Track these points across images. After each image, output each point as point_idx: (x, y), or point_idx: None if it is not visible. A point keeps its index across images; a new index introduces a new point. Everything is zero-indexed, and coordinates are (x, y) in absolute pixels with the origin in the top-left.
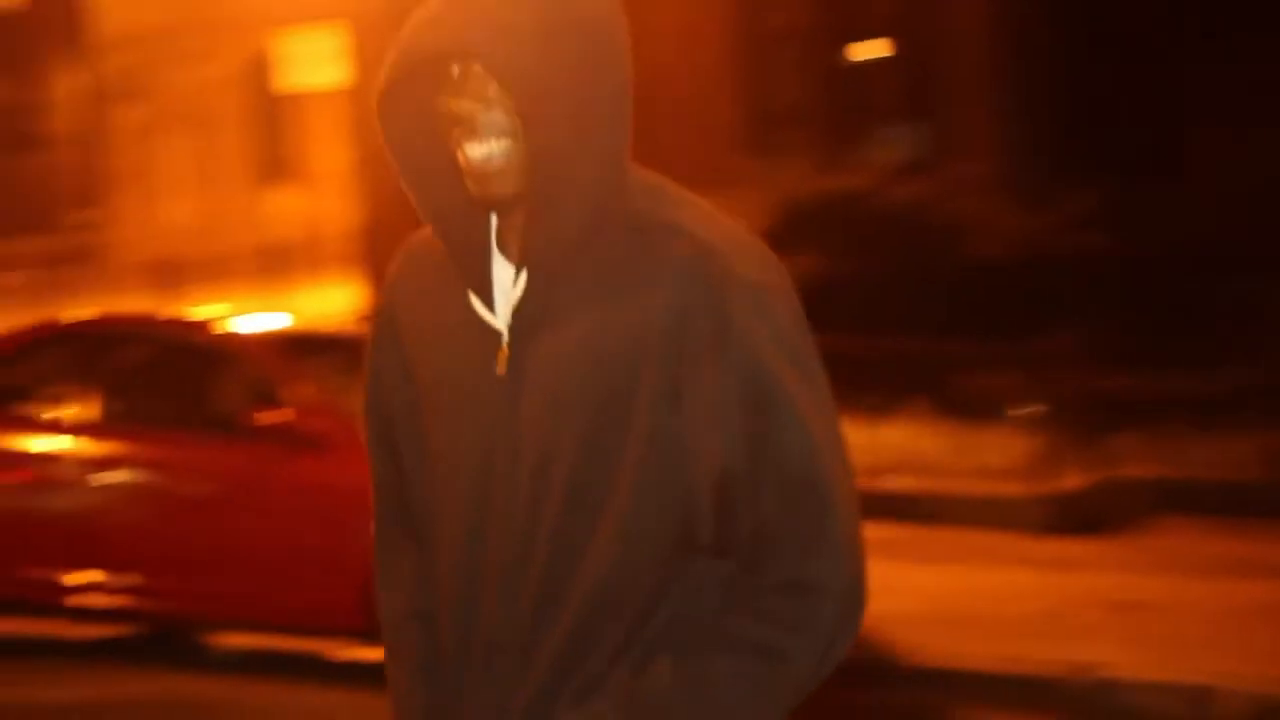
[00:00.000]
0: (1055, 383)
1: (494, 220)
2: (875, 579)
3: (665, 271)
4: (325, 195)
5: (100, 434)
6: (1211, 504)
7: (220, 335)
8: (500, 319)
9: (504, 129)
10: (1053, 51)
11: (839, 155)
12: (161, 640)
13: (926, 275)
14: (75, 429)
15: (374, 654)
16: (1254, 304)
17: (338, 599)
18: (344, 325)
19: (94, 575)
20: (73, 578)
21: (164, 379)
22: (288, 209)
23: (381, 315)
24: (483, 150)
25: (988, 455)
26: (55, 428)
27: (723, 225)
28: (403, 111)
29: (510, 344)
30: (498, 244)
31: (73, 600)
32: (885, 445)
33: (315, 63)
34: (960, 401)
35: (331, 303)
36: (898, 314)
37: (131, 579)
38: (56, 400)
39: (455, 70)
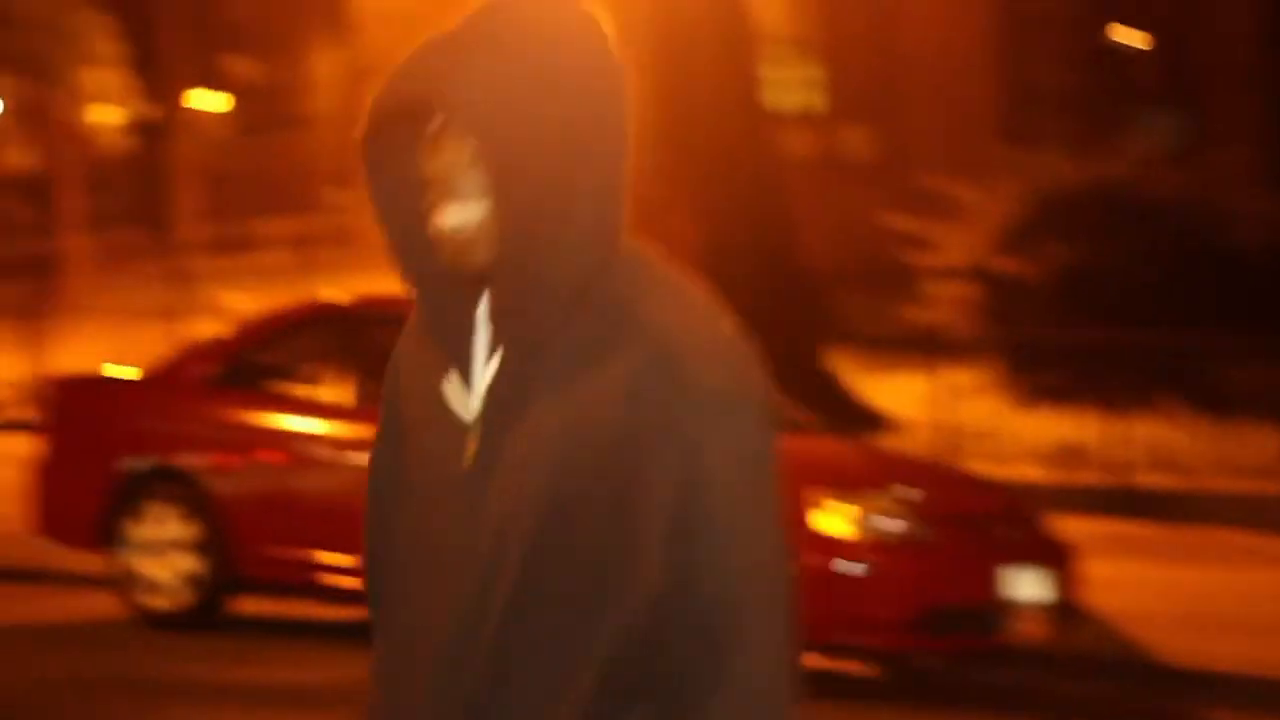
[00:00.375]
0: None
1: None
2: (1124, 576)
3: (619, 382)
4: None
5: (356, 415)
6: None
7: None
8: (475, 402)
9: (479, 194)
10: None
11: (1097, 142)
12: None
13: (1185, 266)
14: (332, 410)
15: None
16: None
17: None
18: None
19: (345, 557)
20: (324, 559)
21: None
22: None
23: (388, 380)
24: (454, 218)
25: (1244, 452)
26: (312, 408)
27: (697, 319)
28: (387, 167)
29: (483, 433)
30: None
31: (325, 581)
32: (1138, 441)
33: None
34: (1217, 396)
35: None
36: (1154, 306)
37: None
38: (313, 380)
39: (433, 125)
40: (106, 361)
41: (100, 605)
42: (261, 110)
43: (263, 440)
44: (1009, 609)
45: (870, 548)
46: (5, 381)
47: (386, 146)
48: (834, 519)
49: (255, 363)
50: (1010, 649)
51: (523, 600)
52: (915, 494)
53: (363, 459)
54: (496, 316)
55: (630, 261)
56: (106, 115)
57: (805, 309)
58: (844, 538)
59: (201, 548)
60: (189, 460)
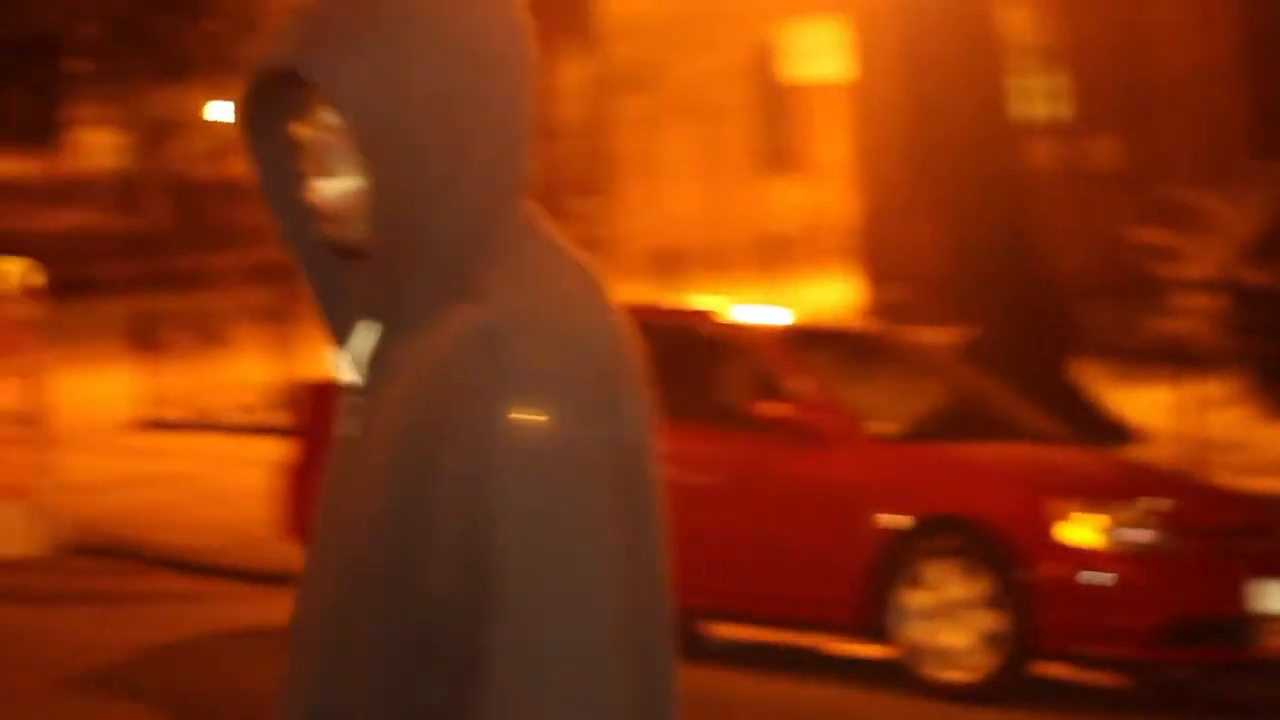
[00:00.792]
0: None
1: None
2: None
3: (441, 350)
4: (826, 188)
5: None
6: None
7: (724, 326)
8: (360, 372)
9: (352, 167)
10: None
11: None
12: None
13: None
14: None
15: (872, 650)
16: None
17: (836, 594)
18: (845, 320)
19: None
20: None
21: (667, 368)
22: (789, 201)
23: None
24: (329, 188)
25: None
26: None
27: (553, 298)
28: (266, 134)
29: (365, 405)
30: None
31: None
32: None
33: (818, 54)
34: None
35: (830, 296)
36: None
37: None
38: None
39: (307, 93)
40: None
41: None
42: None
43: None
44: (1258, 621)
45: (1118, 558)
46: (254, 385)
47: (265, 112)
48: (1082, 530)
49: None
50: (1259, 662)
51: (349, 575)
52: (1163, 505)
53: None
54: (372, 291)
55: (517, 233)
56: None
57: (1052, 320)
58: (1092, 548)
59: None
60: None
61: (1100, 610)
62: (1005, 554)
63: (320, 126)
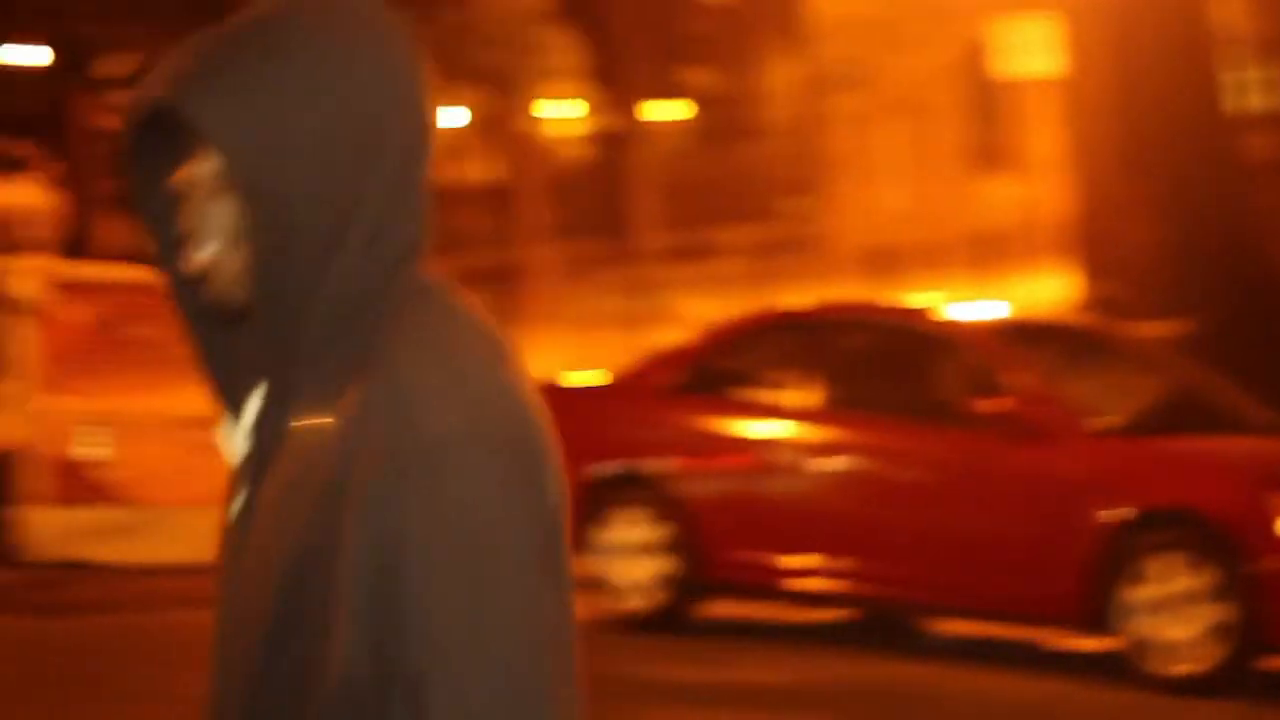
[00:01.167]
0: None
1: None
2: None
3: (342, 420)
4: (1040, 183)
5: (819, 420)
6: None
7: (940, 323)
8: (243, 444)
9: (231, 222)
10: None
11: None
12: (874, 626)
13: None
14: (795, 414)
15: (1090, 644)
16: None
17: (1054, 588)
18: (1062, 315)
19: (810, 560)
20: (789, 562)
21: (884, 366)
22: (1002, 197)
23: None
24: (205, 250)
25: None
26: (775, 413)
27: (457, 360)
28: (150, 182)
29: (250, 478)
30: None
31: (788, 584)
32: None
33: (1030, 51)
34: None
35: (1045, 292)
36: None
37: (847, 564)
38: (776, 386)
39: (188, 140)
40: (568, 369)
41: None
42: (719, 119)
43: (727, 445)
44: None
45: None
46: None
47: (150, 162)
48: None
49: (718, 369)
50: None
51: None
52: None
53: (827, 463)
54: (254, 354)
55: (412, 292)
56: (567, 127)
57: (1272, 311)
58: None
59: (672, 550)
60: (656, 465)
61: None
62: (1229, 547)
63: (199, 174)
